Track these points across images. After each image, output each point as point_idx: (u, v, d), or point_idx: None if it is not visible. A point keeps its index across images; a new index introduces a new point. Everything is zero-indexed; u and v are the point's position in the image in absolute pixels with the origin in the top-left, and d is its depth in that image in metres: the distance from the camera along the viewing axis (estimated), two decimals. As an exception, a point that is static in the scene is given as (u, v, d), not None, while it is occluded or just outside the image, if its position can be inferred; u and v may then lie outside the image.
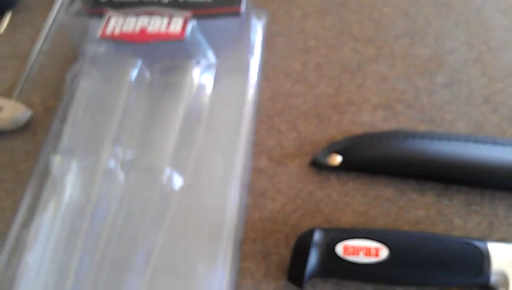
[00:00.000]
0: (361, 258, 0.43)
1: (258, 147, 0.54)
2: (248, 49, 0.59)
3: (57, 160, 0.52)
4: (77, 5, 0.58)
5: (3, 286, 0.48)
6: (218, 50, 0.59)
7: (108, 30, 0.55)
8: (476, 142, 0.50)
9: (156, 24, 0.55)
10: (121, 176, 0.52)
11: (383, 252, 0.43)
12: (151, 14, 0.56)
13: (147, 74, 0.57)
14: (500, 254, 0.42)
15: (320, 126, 0.54)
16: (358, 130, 0.54)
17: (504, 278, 0.42)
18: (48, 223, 0.50)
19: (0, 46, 0.65)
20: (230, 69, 0.58)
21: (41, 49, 0.64)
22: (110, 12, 0.57)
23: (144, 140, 0.53)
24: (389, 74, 0.57)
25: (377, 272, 0.43)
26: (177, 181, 0.51)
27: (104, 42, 0.57)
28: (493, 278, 0.42)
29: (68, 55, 0.62)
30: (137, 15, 0.56)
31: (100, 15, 0.57)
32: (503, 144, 0.49)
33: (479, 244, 0.43)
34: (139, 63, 0.57)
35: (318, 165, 0.52)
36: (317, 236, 0.44)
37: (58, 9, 0.67)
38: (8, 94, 0.60)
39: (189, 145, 0.53)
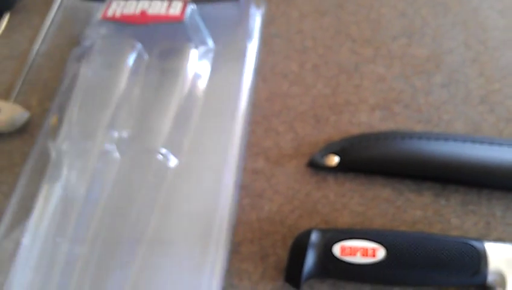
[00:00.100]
0: (359, 259, 0.43)
1: (255, 148, 0.54)
2: (246, 36, 0.60)
3: (55, 146, 0.53)
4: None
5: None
6: (217, 36, 0.60)
7: (110, 12, 0.57)
8: (473, 142, 0.50)
9: (156, 7, 0.57)
10: (116, 156, 0.52)
11: (380, 253, 0.43)
12: (152, -3, 0.57)
13: (146, 57, 0.58)
14: (497, 253, 0.42)
15: (317, 127, 0.54)
16: (355, 130, 0.54)
17: (501, 278, 0.42)
18: (42, 208, 0.51)
19: (-2, 48, 0.65)
20: (228, 54, 0.59)
21: (39, 51, 0.64)
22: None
23: (140, 122, 0.54)
24: (386, 74, 0.57)
25: (374, 272, 0.43)
26: (172, 161, 0.52)
27: (105, 25, 0.59)
28: (490, 278, 0.42)
29: (66, 57, 0.62)
30: None
31: (102, 0, 0.59)
32: (500, 144, 0.49)
33: (476, 244, 0.43)
34: (139, 46, 0.58)
35: (315, 166, 0.52)
36: (314, 237, 0.44)
37: (56, 11, 0.67)
38: (5, 96, 0.60)
39: (185, 128, 0.54)
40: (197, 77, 0.57)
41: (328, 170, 0.52)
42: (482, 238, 0.44)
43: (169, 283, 0.47)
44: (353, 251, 0.43)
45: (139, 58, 0.58)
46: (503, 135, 0.52)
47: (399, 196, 0.50)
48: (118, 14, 0.57)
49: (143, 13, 0.56)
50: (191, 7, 0.57)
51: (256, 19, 0.62)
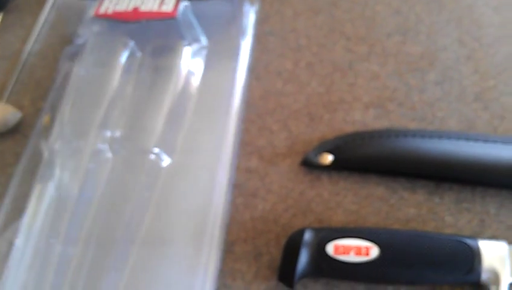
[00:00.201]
0: (352, 258, 0.43)
1: (249, 147, 0.54)
2: (240, 33, 0.60)
3: (47, 145, 0.52)
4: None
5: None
6: (210, 33, 0.59)
7: (102, 9, 0.57)
8: (467, 140, 0.49)
9: (149, 3, 0.57)
10: (109, 156, 0.52)
11: (374, 251, 0.43)
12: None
13: (138, 55, 0.58)
14: (491, 251, 0.42)
15: (311, 125, 0.54)
16: (349, 128, 0.54)
17: (495, 276, 0.42)
18: (35, 209, 0.50)
19: (-10, 48, 0.65)
20: (221, 52, 0.59)
21: (31, 50, 0.64)
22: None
23: (133, 121, 0.54)
24: (380, 72, 0.57)
25: (368, 271, 0.43)
26: (165, 160, 0.52)
27: (97, 23, 0.58)
28: (484, 276, 0.42)
29: (59, 57, 0.62)
30: None
31: None
32: (495, 141, 0.49)
33: (469, 242, 0.43)
34: (131, 43, 0.58)
35: (309, 165, 0.52)
36: (307, 236, 0.44)
37: (49, 10, 0.67)
38: (-2, 96, 0.60)
39: (178, 126, 0.54)
40: (190, 74, 0.57)
41: (322, 168, 0.51)
42: (476, 236, 0.44)
43: (163, 283, 0.47)
44: (346, 250, 0.43)
45: (131, 56, 0.58)
46: (497, 132, 0.52)
47: (393, 194, 0.49)
48: (110, 11, 0.57)
49: (135, 10, 0.56)
50: (184, 4, 0.56)
51: (250, 16, 0.62)
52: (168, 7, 0.56)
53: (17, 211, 0.51)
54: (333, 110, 0.55)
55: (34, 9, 0.67)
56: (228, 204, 0.50)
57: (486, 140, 0.49)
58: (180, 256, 0.47)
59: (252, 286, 0.46)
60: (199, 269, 0.46)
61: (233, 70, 0.57)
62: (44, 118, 0.55)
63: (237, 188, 0.52)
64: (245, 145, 0.54)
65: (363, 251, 0.43)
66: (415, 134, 0.51)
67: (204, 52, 0.59)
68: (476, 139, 0.49)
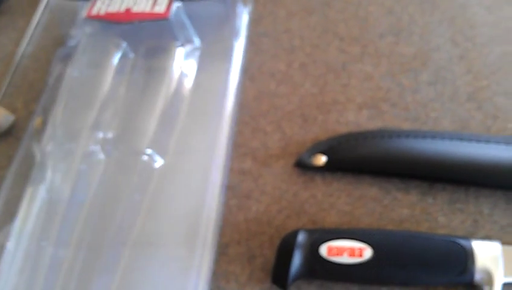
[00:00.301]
0: (346, 259, 0.43)
1: (242, 148, 0.54)
2: (233, 34, 0.60)
3: (40, 146, 0.52)
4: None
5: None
6: (203, 34, 0.59)
7: (94, 10, 0.57)
8: (461, 140, 0.49)
9: (141, 4, 0.57)
10: (101, 158, 0.52)
11: (367, 252, 0.43)
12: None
13: (131, 56, 0.58)
14: (484, 251, 0.42)
15: (305, 126, 0.54)
16: (343, 129, 0.54)
17: (488, 276, 0.42)
18: (26, 212, 0.50)
19: (-17, 51, 0.65)
20: (215, 53, 0.59)
21: (24, 53, 0.64)
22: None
23: (125, 123, 0.53)
24: (373, 72, 0.57)
25: (361, 272, 0.43)
26: (158, 161, 0.52)
27: (90, 24, 0.58)
28: (477, 276, 0.42)
29: (52, 58, 0.61)
30: None
31: None
32: (488, 141, 0.49)
33: (463, 242, 0.43)
34: (124, 44, 0.58)
35: (303, 166, 0.52)
36: (301, 237, 0.44)
37: (42, 12, 0.67)
38: (-10, 99, 0.60)
39: (171, 128, 0.54)
40: (183, 75, 0.57)
41: (316, 169, 0.51)
42: (469, 237, 0.44)
43: (156, 285, 0.46)
44: (340, 251, 0.43)
45: (124, 57, 0.58)
46: (490, 132, 0.52)
47: (386, 195, 0.49)
48: (102, 12, 0.56)
49: (128, 11, 0.56)
50: (177, 4, 0.56)
51: (243, 17, 0.61)
52: (160, 8, 0.56)
53: (9, 214, 0.50)
54: (327, 111, 0.55)
55: (27, 11, 0.67)
56: (221, 206, 0.50)
57: (479, 140, 0.49)
58: (172, 258, 0.47)
59: (246, 288, 0.46)
60: (192, 272, 0.46)
61: (227, 71, 0.57)
62: (37, 120, 0.55)
63: (231, 189, 0.51)
64: (238, 147, 0.54)
65: (357, 252, 0.43)
66: (408, 134, 0.50)
67: (197, 54, 0.59)
68: (469, 139, 0.49)
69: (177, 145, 0.53)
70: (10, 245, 0.48)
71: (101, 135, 0.52)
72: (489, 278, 0.42)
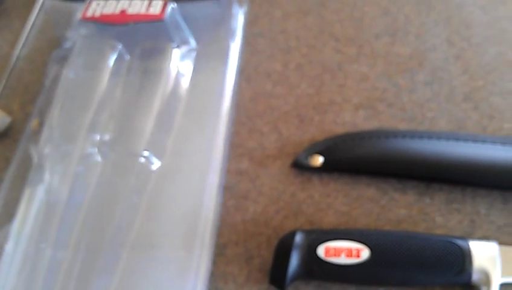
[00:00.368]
0: (343, 260, 0.43)
1: (239, 149, 0.54)
2: (229, 35, 0.60)
3: (37, 150, 0.52)
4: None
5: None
6: (199, 35, 0.59)
7: (89, 12, 0.57)
8: (457, 140, 0.49)
9: (136, 6, 0.57)
10: (98, 160, 0.52)
11: (364, 253, 0.43)
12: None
13: (127, 57, 0.58)
14: (481, 252, 0.42)
15: (301, 127, 0.54)
16: (339, 130, 0.54)
17: (486, 276, 0.42)
18: (24, 213, 0.50)
19: (-22, 52, 0.64)
20: (211, 54, 0.59)
21: (20, 55, 0.63)
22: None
23: (122, 124, 0.53)
24: (369, 73, 0.57)
25: (359, 273, 0.43)
26: (155, 163, 0.52)
27: (85, 26, 0.58)
28: (475, 276, 0.42)
29: (48, 60, 0.61)
30: None
31: (82, 0, 0.58)
32: (484, 141, 0.49)
33: (460, 242, 0.43)
34: (119, 46, 0.58)
35: (300, 167, 0.52)
36: (298, 238, 0.44)
37: (37, 14, 0.66)
38: (-14, 101, 0.60)
39: (168, 129, 0.54)
40: (179, 77, 0.57)
41: (313, 170, 0.51)
42: (466, 237, 0.44)
43: (154, 287, 0.46)
44: (337, 252, 0.43)
45: (120, 58, 0.57)
46: (487, 131, 0.52)
47: (383, 195, 0.49)
48: (97, 14, 0.56)
49: (123, 13, 0.56)
50: (172, 6, 0.56)
51: (239, 18, 0.61)
52: (155, 9, 0.56)
53: (7, 216, 0.50)
54: (323, 111, 0.55)
55: (22, 13, 0.67)
56: (219, 206, 0.50)
57: (476, 140, 0.49)
58: (170, 259, 0.47)
59: (244, 289, 0.46)
60: (190, 273, 0.46)
61: (223, 72, 0.57)
62: (33, 122, 0.55)
63: (228, 190, 0.51)
64: (235, 148, 0.54)
65: (354, 252, 0.43)
66: (405, 135, 0.51)
67: (193, 55, 0.59)
68: (465, 139, 0.50)
69: (174, 146, 0.53)
70: (9, 247, 0.48)
71: (97, 137, 0.52)
72: (486, 279, 0.42)
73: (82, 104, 0.54)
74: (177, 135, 0.53)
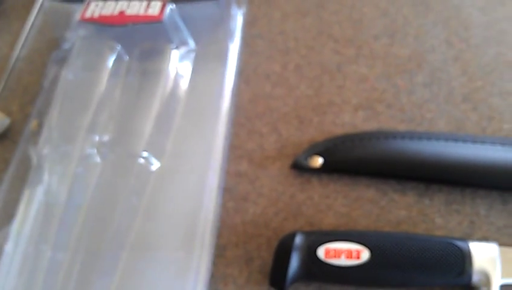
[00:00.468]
0: (343, 261, 0.43)
1: (238, 151, 0.54)
2: (228, 36, 0.60)
3: (36, 151, 0.52)
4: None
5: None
6: (198, 36, 0.60)
7: (88, 13, 0.57)
8: (456, 141, 0.50)
9: (135, 7, 0.57)
10: (97, 161, 0.52)
11: (364, 255, 0.43)
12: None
13: (126, 58, 0.58)
14: (481, 253, 0.42)
15: (301, 128, 0.54)
16: (339, 131, 0.54)
17: (486, 277, 0.42)
18: (23, 215, 0.50)
19: (-23, 54, 0.64)
20: (209, 55, 0.59)
21: (19, 56, 0.63)
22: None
23: (121, 125, 0.53)
24: (369, 74, 0.57)
25: (359, 274, 0.43)
26: (154, 164, 0.52)
27: (84, 27, 0.58)
28: (475, 278, 0.42)
29: (47, 62, 0.61)
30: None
31: (82, 1, 0.58)
32: (483, 142, 0.49)
33: (460, 244, 0.43)
34: (118, 47, 0.58)
35: (299, 168, 0.52)
36: (298, 240, 0.44)
37: (36, 15, 0.66)
38: (-15, 102, 0.60)
39: (167, 130, 0.54)
40: (178, 78, 0.57)
41: (312, 171, 0.51)
42: (466, 238, 0.44)
43: (154, 288, 0.46)
44: (337, 253, 0.43)
45: (119, 59, 0.58)
46: (486, 132, 0.52)
47: (383, 197, 0.50)
48: (96, 15, 0.56)
49: (121, 14, 0.56)
50: (170, 7, 0.56)
51: (238, 19, 0.62)
52: (154, 11, 0.56)
53: (7, 217, 0.50)
54: (322, 112, 0.55)
55: (21, 15, 0.67)
56: (219, 207, 0.50)
57: (475, 141, 0.50)
58: (170, 261, 0.47)
59: (244, 290, 0.47)
60: (190, 274, 0.46)
61: (222, 73, 0.57)
62: (33, 123, 0.55)
63: (227, 192, 0.51)
64: (234, 149, 0.54)
65: (354, 254, 0.43)
66: (404, 136, 0.51)
67: (192, 56, 0.59)
68: (465, 140, 0.50)
69: (173, 147, 0.53)
70: (8, 248, 0.49)
71: (96, 137, 0.52)
72: (486, 280, 0.42)
73: (81, 105, 0.54)
74: (176, 135, 0.54)
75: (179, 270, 0.47)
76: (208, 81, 0.57)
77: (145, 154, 0.51)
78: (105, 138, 0.53)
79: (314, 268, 0.43)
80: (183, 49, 0.58)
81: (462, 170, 0.48)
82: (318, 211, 0.50)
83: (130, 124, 0.53)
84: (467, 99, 0.54)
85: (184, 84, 0.57)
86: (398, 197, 0.49)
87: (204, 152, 0.52)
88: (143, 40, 0.58)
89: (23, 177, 0.53)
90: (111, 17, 0.56)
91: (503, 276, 0.42)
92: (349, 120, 0.54)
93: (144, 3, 0.56)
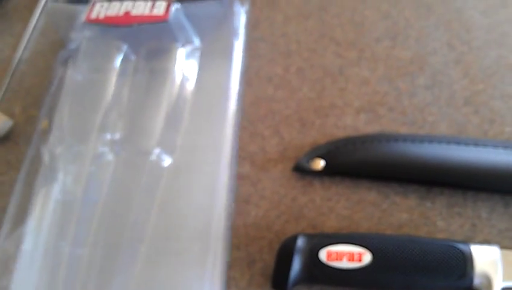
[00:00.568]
0: (345, 264, 0.43)
1: (241, 153, 0.54)
2: (232, 34, 0.60)
3: (47, 150, 0.53)
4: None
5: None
6: (203, 34, 0.60)
7: (93, 14, 0.57)
8: (458, 144, 0.50)
9: (140, 7, 0.57)
10: (110, 159, 0.53)
11: (366, 257, 0.43)
12: (135, -2, 0.57)
13: (133, 58, 0.58)
14: (483, 256, 0.42)
15: (303, 131, 0.54)
16: (341, 133, 0.54)
17: (487, 280, 0.42)
18: (41, 213, 0.51)
19: (-20, 56, 0.65)
20: (214, 53, 0.59)
21: (21, 58, 0.63)
22: (95, -2, 0.58)
23: (131, 124, 0.54)
24: (370, 77, 0.57)
25: (361, 277, 0.43)
26: (166, 160, 0.52)
27: (89, 28, 0.58)
28: (476, 281, 0.42)
29: (49, 63, 0.62)
30: (122, 0, 0.57)
31: (86, 1, 0.59)
32: (485, 145, 0.49)
33: (462, 247, 0.43)
34: (125, 47, 0.58)
35: (301, 170, 0.52)
36: (300, 242, 0.44)
37: (38, 17, 0.66)
38: (-12, 104, 0.60)
39: (177, 127, 0.54)
40: (185, 75, 0.57)
41: (314, 174, 0.52)
42: (468, 241, 0.44)
43: (173, 280, 0.47)
44: (339, 256, 0.43)
45: (125, 59, 0.58)
46: (487, 135, 0.52)
47: (385, 199, 0.50)
48: (101, 16, 0.57)
49: (127, 14, 0.56)
50: (175, 6, 0.57)
51: (241, 18, 0.62)
52: (159, 10, 0.56)
53: (22, 216, 0.51)
54: (324, 115, 0.55)
55: (23, 17, 0.67)
56: (232, 198, 0.51)
57: (476, 144, 0.50)
58: (188, 252, 0.48)
59: (246, 293, 0.47)
60: (207, 263, 0.47)
61: (228, 69, 0.58)
62: (43, 123, 0.55)
63: (230, 194, 0.52)
64: (237, 151, 0.54)
65: (356, 256, 0.43)
66: (406, 139, 0.51)
67: (197, 54, 0.59)
68: (466, 143, 0.50)
69: (184, 143, 0.54)
70: (27, 245, 0.49)
71: (108, 136, 0.53)
72: (488, 283, 0.42)
73: (91, 105, 0.54)
74: (186, 132, 0.54)
75: (197, 260, 0.47)
76: (214, 78, 0.57)
77: (156, 150, 0.52)
78: (117, 136, 0.53)
79: (316, 271, 0.43)
80: (188, 48, 0.59)
81: (463, 173, 0.48)
82: (320, 213, 0.50)
83: (141, 121, 0.54)
84: (468, 102, 0.54)
85: (191, 82, 0.57)
86: (399, 200, 0.49)
87: (214, 147, 0.53)
88: (149, 39, 0.58)
89: (35, 177, 0.53)
90: (116, 17, 0.56)
91: (505, 279, 0.42)
92: (351, 123, 0.54)
93: (149, 4, 0.57)
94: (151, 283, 0.47)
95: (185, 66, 0.57)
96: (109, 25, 0.56)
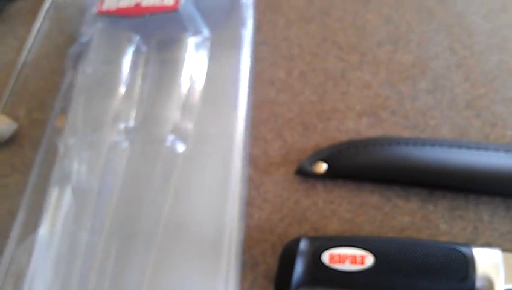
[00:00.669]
0: (347, 266, 0.43)
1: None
2: (241, 24, 0.61)
3: (62, 142, 0.53)
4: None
5: (18, 261, 0.49)
6: (212, 24, 0.60)
7: (105, 6, 0.58)
8: (460, 148, 0.50)
9: None
10: (125, 147, 0.53)
11: (369, 260, 0.43)
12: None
13: (144, 49, 0.59)
14: (485, 259, 0.43)
15: (305, 134, 0.55)
16: (343, 137, 0.54)
17: (489, 283, 0.42)
18: (56, 202, 0.51)
19: (-16, 59, 0.65)
20: (224, 42, 0.60)
21: (25, 61, 0.64)
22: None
23: (145, 113, 0.55)
24: (372, 80, 0.57)
25: (363, 280, 0.43)
26: (180, 147, 0.53)
27: (101, 20, 0.59)
28: (478, 283, 0.42)
29: (54, 66, 0.62)
30: None
31: None
32: (487, 149, 0.50)
33: (463, 249, 0.43)
34: (136, 38, 0.59)
35: (304, 174, 0.52)
36: (303, 245, 0.44)
37: (42, 20, 0.67)
38: (-8, 107, 0.60)
39: (190, 115, 0.55)
40: (196, 65, 0.58)
41: (317, 177, 0.52)
42: (470, 244, 0.44)
43: (189, 267, 0.48)
44: (342, 259, 0.43)
45: (137, 50, 0.59)
46: (489, 139, 0.52)
47: (387, 202, 0.50)
48: (113, 7, 0.57)
49: (137, 5, 0.57)
50: None
51: (249, 6, 0.63)
52: (169, 1, 0.56)
53: (38, 206, 0.51)
54: (327, 118, 0.55)
55: (27, 20, 0.67)
56: (244, 186, 0.52)
57: (478, 147, 0.50)
58: (203, 238, 0.49)
59: (249, 295, 0.47)
60: (222, 250, 0.48)
61: (237, 59, 0.58)
62: (59, 117, 0.56)
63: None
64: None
65: (358, 259, 0.43)
66: (408, 142, 0.51)
67: (207, 44, 0.60)
68: (468, 146, 0.50)
69: (197, 131, 0.54)
70: (44, 235, 0.49)
71: (122, 125, 0.54)
72: (490, 285, 0.42)
73: (104, 96, 0.55)
74: (199, 120, 0.55)
75: (211, 248, 0.48)
76: (224, 68, 0.58)
77: (171, 137, 0.52)
78: (131, 124, 0.54)
79: (319, 273, 0.44)
80: (198, 38, 0.59)
81: (465, 176, 0.48)
82: (322, 216, 0.50)
83: (154, 110, 0.55)
84: (470, 106, 0.54)
85: (202, 72, 0.58)
86: (402, 203, 0.50)
87: (227, 135, 0.54)
88: (158, 30, 0.59)
89: (52, 168, 0.53)
90: (128, 9, 0.57)
91: (507, 282, 0.42)
92: (353, 126, 0.55)
93: None
94: (166, 269, 0.48)
95: (195, 55, 0.58)
96: (121, 16, 0.57)
